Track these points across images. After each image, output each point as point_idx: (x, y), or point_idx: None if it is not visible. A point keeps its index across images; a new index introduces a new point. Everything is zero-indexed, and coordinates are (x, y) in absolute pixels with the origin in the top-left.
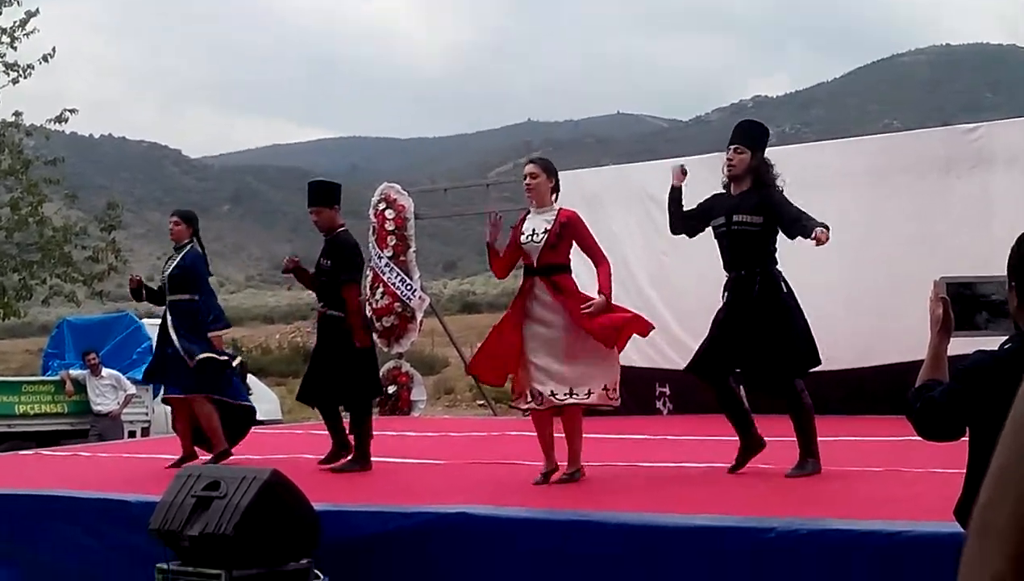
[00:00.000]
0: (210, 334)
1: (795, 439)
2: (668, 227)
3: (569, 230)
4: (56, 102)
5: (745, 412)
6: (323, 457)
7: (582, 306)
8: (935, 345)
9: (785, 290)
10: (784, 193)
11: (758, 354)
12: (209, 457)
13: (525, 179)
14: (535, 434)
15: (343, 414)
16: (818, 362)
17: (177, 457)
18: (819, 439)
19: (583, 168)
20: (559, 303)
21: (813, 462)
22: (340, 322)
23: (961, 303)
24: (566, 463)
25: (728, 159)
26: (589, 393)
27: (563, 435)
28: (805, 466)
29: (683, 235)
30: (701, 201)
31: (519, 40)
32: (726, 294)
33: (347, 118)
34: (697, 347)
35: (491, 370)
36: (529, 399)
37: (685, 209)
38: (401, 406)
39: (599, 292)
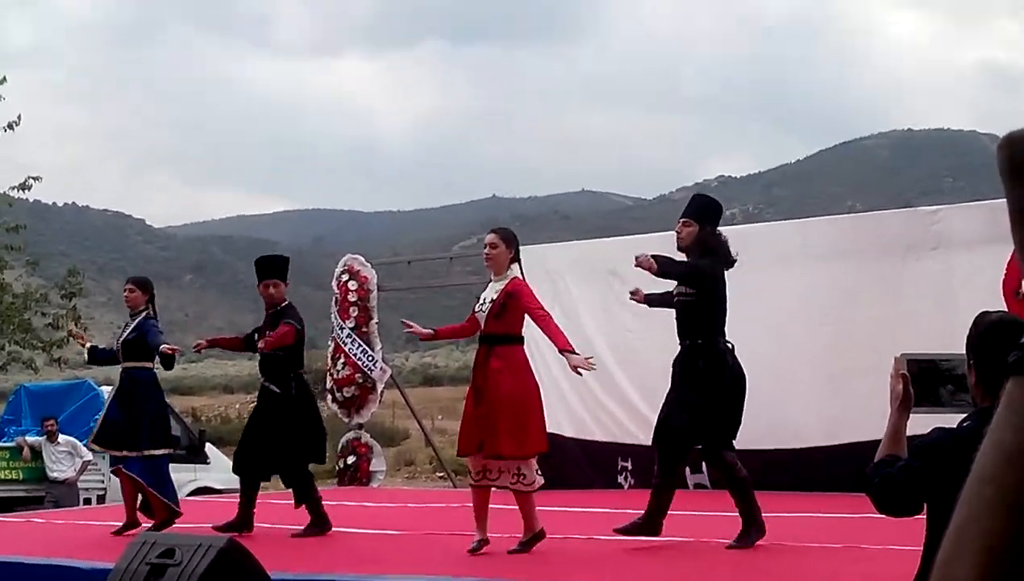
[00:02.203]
0: (162, 347)
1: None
2: (632, 304)
3: (513, 300)
4: (19, 169)
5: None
6: (221, 524)
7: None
8: (894, 421)
9: (729, 362)
10: (722, 268)
11: (693, 419)
12: (151, 524)
13: (485, 249)
14: (493, 506)
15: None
16: (732, 437)
17: (121, 524)
18: (783, 515)
19: (548, 243)
20: (493, 375)
21: (755, 530)
22: (278, 396)
23: (921, 380)
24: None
25: (677, 231)
26: (500, 473)
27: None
28: (748, 536)
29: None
30: None
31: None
32: (673, 365)
33: (311, 190)
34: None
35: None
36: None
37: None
38: (360, 476)
39: (561, 351)
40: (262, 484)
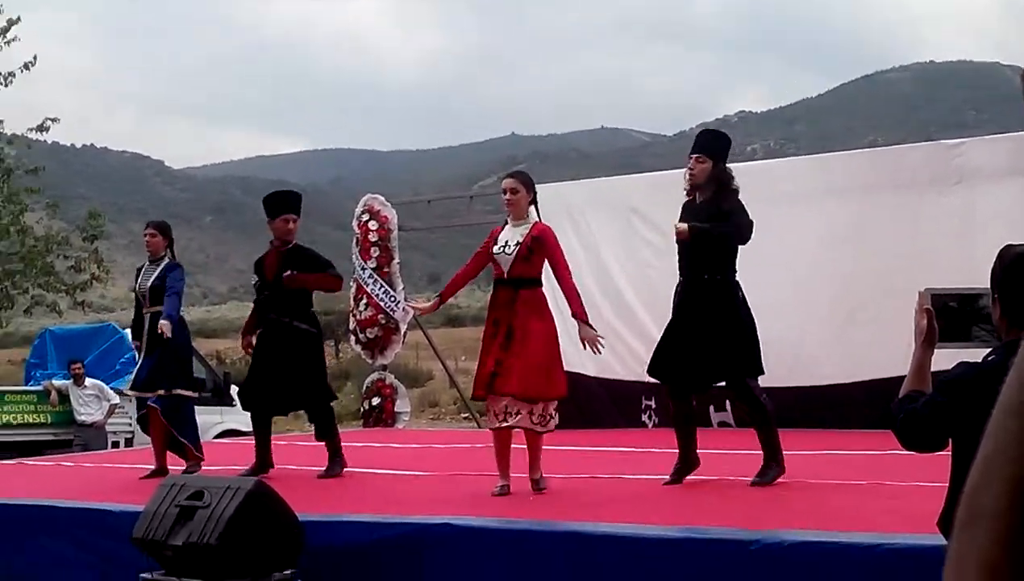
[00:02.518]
0: (160, 323)
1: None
2: (655, 235)
3: (539, 244)
4: (37, 111)
5: (692, 430)
6: (244, 471)
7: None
8: (919, 356)
9: (740, 298)
10: (743, 204)
11: (709, 357)
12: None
13: (504, 193)
14: (518, 446)
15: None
16: (761, 371)
17: (151, 469)
18: (804, 453)
19: (567, 181)
20: (522, 316)
21: (775, 466)
22: (306, 334)
23: (946, 315)
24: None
25: (689, 168)
26: (518, 414)
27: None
28: (767, 472)
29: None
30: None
31: (503, 53)
32: (677, 298)
33: (329, 130)
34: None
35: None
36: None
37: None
38: (385, 418)
39: (575, 317)
40: (288, 427)
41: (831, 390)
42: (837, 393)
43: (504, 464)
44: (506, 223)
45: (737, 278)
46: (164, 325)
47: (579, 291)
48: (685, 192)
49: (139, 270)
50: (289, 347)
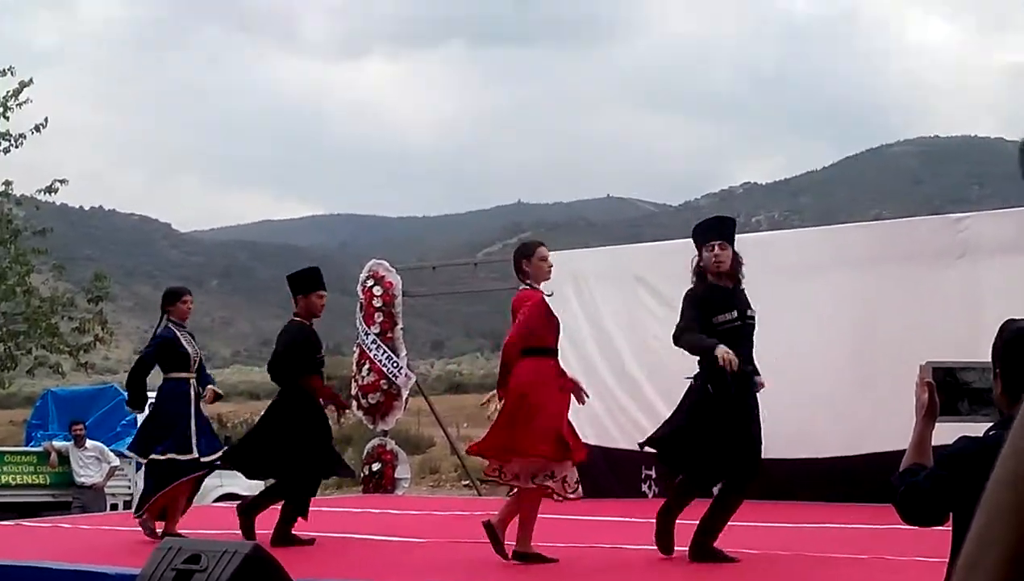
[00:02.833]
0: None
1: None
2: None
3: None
4: (46, 173)
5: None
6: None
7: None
8: (920, 430)
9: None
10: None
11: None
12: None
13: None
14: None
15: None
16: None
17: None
18: (807, 526)
19: (573, 250)
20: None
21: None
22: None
23: (947, 389)
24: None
25: (715, 255)
26: (516, 477)
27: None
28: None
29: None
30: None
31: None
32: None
33: (337, 195)
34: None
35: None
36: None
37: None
38: (385, 484)
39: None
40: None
41: (834, 463)
42: (841, 466)
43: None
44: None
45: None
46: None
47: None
48: (697, 277)
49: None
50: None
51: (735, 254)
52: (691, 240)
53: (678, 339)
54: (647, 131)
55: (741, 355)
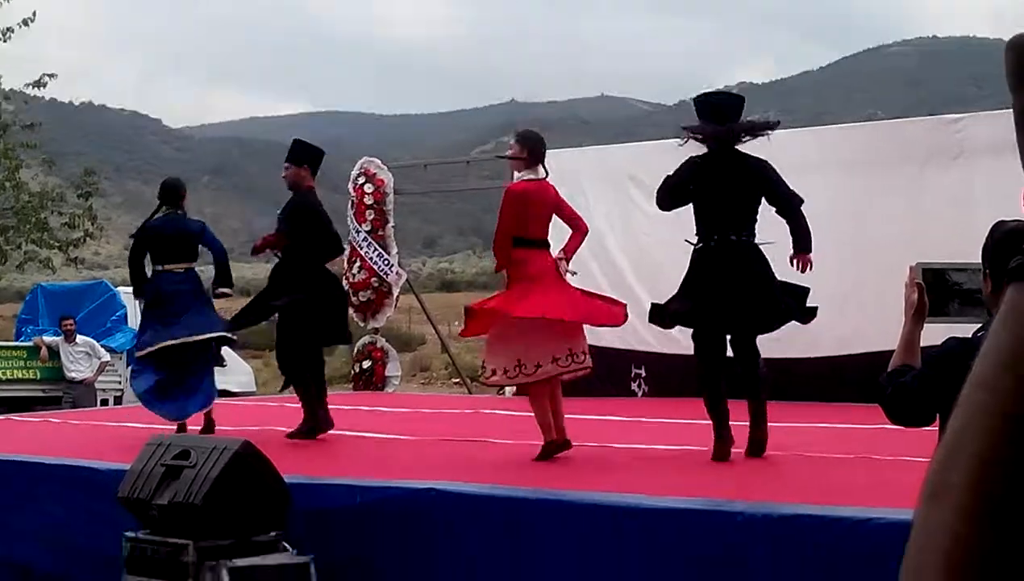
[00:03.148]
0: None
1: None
2: (652, 205)
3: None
4: (35, 67)
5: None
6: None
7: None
8: (908, 330)
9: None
10: None
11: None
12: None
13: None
14: (508, 412)
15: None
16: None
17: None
18: (795, 425)
19: (567, 148)
20: None
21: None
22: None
23: (937, 289)
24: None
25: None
26: (537, 367)
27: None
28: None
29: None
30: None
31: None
32: (712, 257)
33: (328, 92)
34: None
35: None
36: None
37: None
38: (375, 381)
39: None
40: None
41: (826, 362)
42: (832, 365)
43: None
44: None
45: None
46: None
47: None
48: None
49: None
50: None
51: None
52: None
53: None
54: (642, 30)
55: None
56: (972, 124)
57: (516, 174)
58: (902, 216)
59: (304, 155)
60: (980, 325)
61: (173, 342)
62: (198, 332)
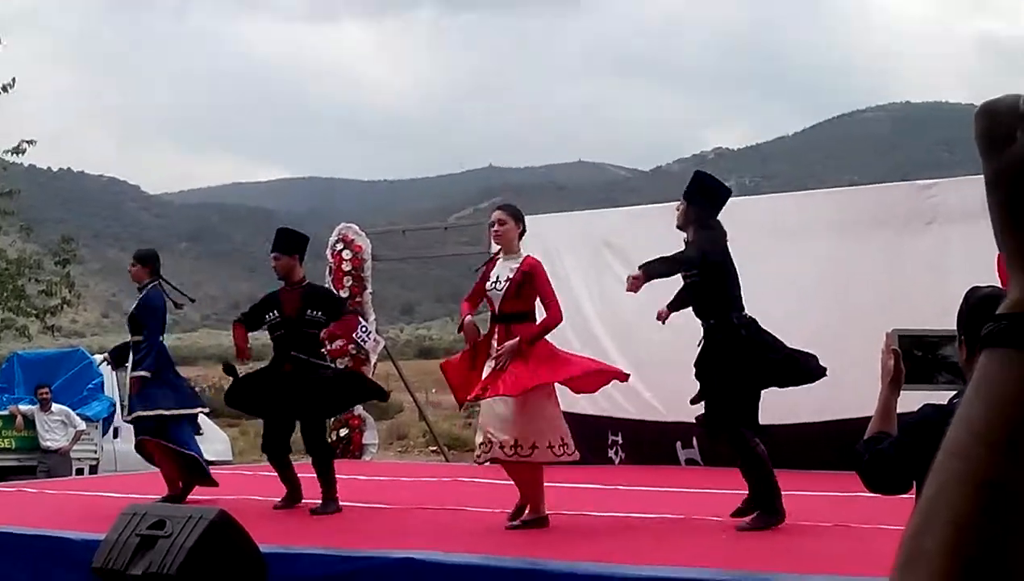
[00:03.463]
0: (130, 375)
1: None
2: (627, 270)
3: (530, 278)
4: (14, 133)
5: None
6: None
7: (497, 350)
8: (885, 397)
9: (744, 335)
10: (717, 244)
11: (710, 401)
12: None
13: (493, 226)
14: (486, 481)
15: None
16: (751, 416)
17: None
18: None
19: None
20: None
21: (770, 515)
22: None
23: (913, 356)
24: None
25: (676, 208)
26: (533, 448)
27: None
28: (759, 520)
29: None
30: None
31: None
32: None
33: (307, 158)
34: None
35: (460, 383)
36: (483, 447)
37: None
38: (352, 449)
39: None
40: (256, 458)
41: (801, 429)
42: (807, 432)
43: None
44: (497, 257)
45: (740, 316)
46: (133, 378)
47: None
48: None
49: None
50: (313, 386)
51: (691, 210)
52: (663, 205)
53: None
54: (618, 97)
55: (696, 310)
56: (945, 189)
57: (508, 249)
58: (878, 281)
59: (294, 245)
60: (955, 392)
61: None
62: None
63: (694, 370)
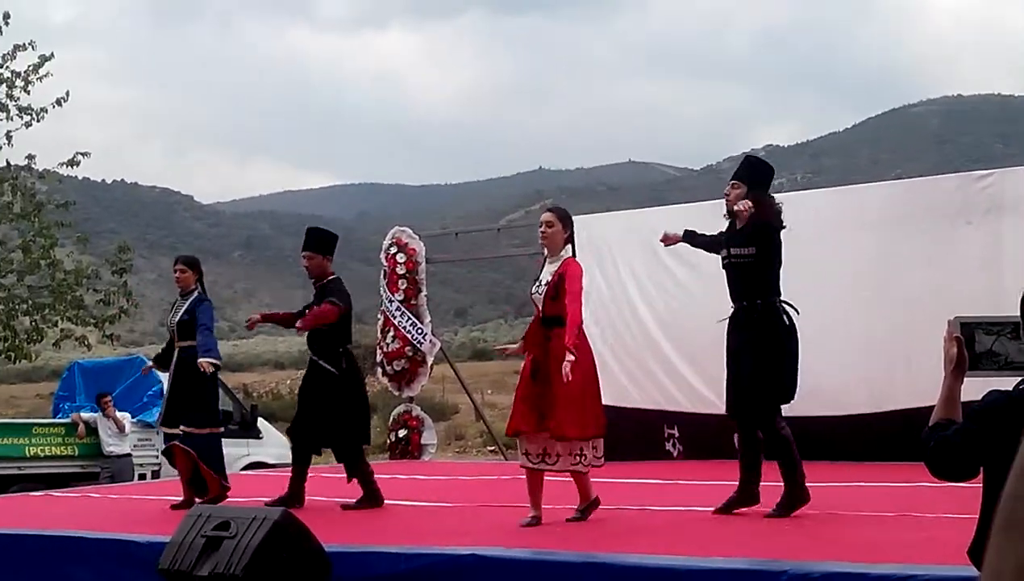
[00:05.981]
0: (200, 360)
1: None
2: (681, 268)
3: (562, 279)
4: (68, 146)
5: (756, 463)
6: (273, 499)
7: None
8: (949, 385)
9: (787, 322)
10: (778, 219)
11: (741, 386)
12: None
13: (540, 227)
14: (545, 479)
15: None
16: (787, 399)
17: (180, 500)
18: (833, 485)
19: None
20: (551, 355)
21: (796, 498)
22: (327, 373)
23: (975, 342)
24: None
25: (725, 193)
26: (558, 457)
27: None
28: (786, 505)
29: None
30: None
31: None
32: (728, 327)
33: (357, 164)
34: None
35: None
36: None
37: (708, 237)
38: (411, 450)
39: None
40: (316, 458)
41: (858, 420)
42: (864, 423)
43: (536, 498)
44: (544, 259)
45: (784, 302)
46: (205, 362)
47: (580, 323)
48: (725, 217)
49: (172, 305)
50: (315, 386)
51: (751, 192)
52: (714, 202)
53: None
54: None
55: (730, 291)
56: (1001, 180)
57: (553, 251)
58: (933, 271)
59: (325, 245)
60: (1021, 378)
61: None
62: None
63: (727, 354)
